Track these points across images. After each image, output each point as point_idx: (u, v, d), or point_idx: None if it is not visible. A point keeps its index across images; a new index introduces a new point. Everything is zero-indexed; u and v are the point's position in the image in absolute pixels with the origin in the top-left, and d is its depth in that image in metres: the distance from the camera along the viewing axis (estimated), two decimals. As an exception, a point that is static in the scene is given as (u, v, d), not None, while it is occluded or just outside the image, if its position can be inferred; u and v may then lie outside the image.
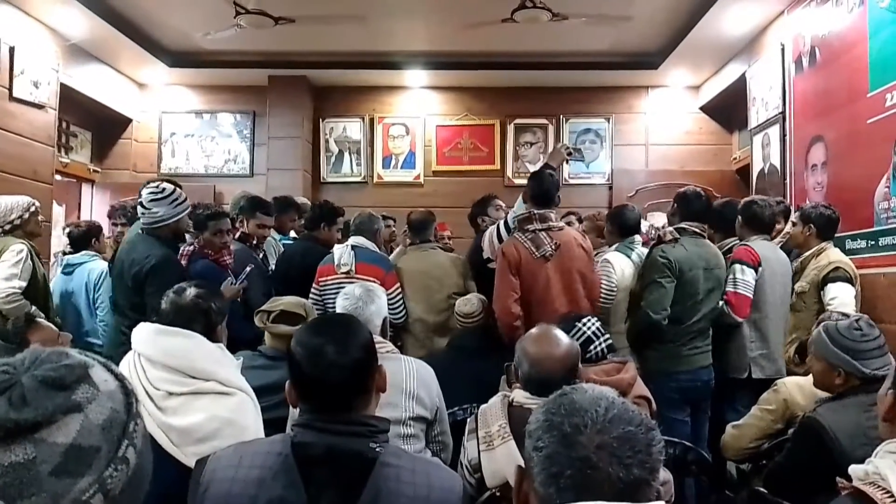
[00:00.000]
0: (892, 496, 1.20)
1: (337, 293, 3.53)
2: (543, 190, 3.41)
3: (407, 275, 3.80)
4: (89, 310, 4.15)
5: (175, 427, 1.82)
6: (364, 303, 2.52)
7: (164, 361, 1.91)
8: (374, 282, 3.47)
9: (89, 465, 0.74)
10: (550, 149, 6.92)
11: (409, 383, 2.34)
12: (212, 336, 2.07)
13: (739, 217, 3.66)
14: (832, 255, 3.44)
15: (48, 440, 0.72)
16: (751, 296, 3.40)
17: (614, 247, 3.79)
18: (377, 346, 2.34)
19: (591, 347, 2.62)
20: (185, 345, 1.95)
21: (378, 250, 3.93)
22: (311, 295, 3.66)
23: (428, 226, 4.02)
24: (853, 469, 1.33)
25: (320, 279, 3.73)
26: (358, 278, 3.52)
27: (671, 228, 3.44)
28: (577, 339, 2.58)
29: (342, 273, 3.65)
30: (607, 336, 2.70)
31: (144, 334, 1.99)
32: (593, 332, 2.65)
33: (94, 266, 4.18)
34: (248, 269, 3.59)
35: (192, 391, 1.88)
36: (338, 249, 3.77)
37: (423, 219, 4.01)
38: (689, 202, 3.55)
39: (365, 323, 2.43)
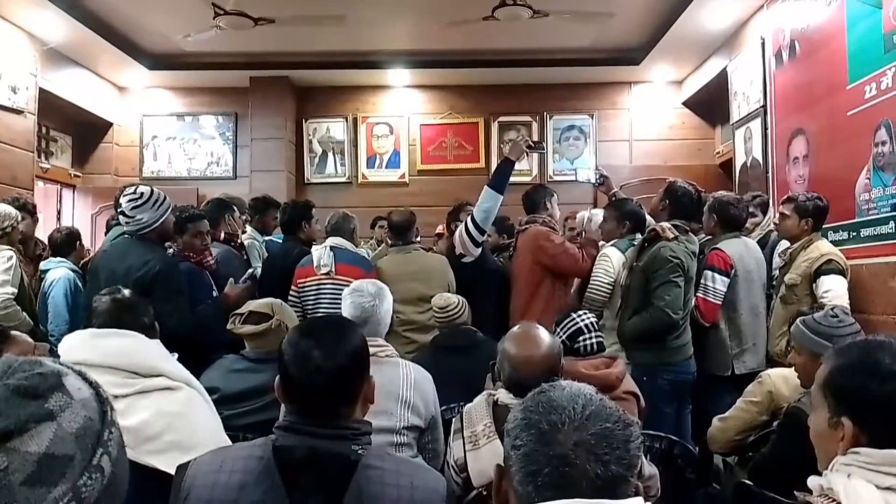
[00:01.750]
0: None
1: (316, 294, 3.57)
2: (527, 203, 3.99)
3: (391, 276, 3.77)
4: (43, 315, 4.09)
5: (126, 429, 1.79)
6: (379, 300, 2.44)
7: (108, 363, 1.87)
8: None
9: (63, 474, 0.73)
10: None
11: (405, 391, 2.26)
12: (150, 333, 2.07)
13: (714, 216, 3.65)
14: (823, 246, 3.43)
15: (20, 449, 0.71)
16: (719, 303, 3.47)
17: (612, 242, 3.78)
18: (379, 349, 2.34)
19: (581, 338, 2.61)
20: (127, 343, 1.93)
21: (356, 250, 3.92)
22: (289, 297, 3.63)
23: (410, 227, 3.99)
24: (811, 481, 1.31)
25: (299, 281, 3.70)
26: (338, 279, 3.52)
27: (670, 225, 3.40)
28: (568, 330, 2.62)
29: (322, 274, 3.63)
30: (599, 332, 2.71)
31: (79, 341, 1.96)
32: (585, 325, 2.65)
33: (55, 274, 4.13)
34: (251, 271, 3.55)
35: (138, 390, 1.86)
36: (316, 251, 3.74)
37: (406, 220, 3.98)
38: (681, 202, 3.54)
39: (377, 324, 2.43)
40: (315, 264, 3.67)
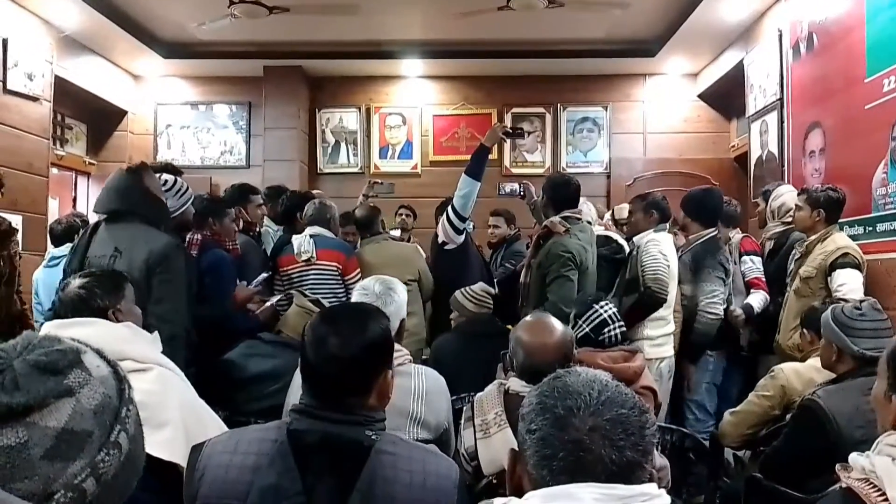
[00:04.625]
0: (885, 496, 1.16)
1: (301, 281, 3.66)
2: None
3: (366, 266, 3.84)
4: None
5: None
6: (384, 303, 2.23)
7: None
8: (337, 266, 3.68)
9: (81, 450, 0.74)
10: (549, 138, 6.93)
11: (415, 406, 2.10)
12: (118, 316, 2.04)
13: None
14: (839, 239, 3.42)
15: (40, 424, 0.72)
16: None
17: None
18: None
19: (606, 330, 2.63)
20: (87, 333, 1.89)
21: (336, 237, 3.97)
22: (274, 286, 3.73)
23: (374, 220, 4.14)
24: (853, 459, 1.29)
25: (281, 269, 3.79)
26: (320, 264, 3.66)
27: (559, 219, 3.36)
28: (592, 322, 2.64)
29: (303, 261, 3.71)
30: (621, 322, 2.71)
31: (46, 332, 1.97)
32: (609, 316, 2.66)
33: None
34: (263, 275, 3.55)
35: None
36: (296, 239, 3.81)
37: (369, 215, 4.15)
38: (558, 192, 3.47)
39: None
40: (295, 252, 3.73)
